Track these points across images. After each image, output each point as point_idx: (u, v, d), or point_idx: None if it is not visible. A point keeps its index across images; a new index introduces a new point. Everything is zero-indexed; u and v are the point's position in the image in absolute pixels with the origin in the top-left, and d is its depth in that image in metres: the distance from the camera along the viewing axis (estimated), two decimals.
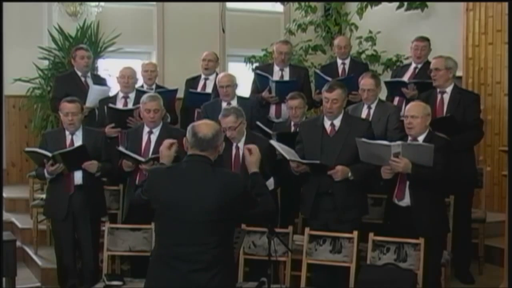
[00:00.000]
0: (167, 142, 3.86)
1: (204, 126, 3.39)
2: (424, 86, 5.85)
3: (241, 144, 4.90)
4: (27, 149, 5.42)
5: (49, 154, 4.94)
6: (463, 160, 5.37)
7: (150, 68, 6.73)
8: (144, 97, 5.29)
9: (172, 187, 3.29)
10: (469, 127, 5.42)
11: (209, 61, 6.70)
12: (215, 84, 6.44)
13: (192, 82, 6.77)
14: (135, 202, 3.65)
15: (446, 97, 5.53)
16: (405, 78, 6.17)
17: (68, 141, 5.15)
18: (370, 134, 4.79)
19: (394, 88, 6.08)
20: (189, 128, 3.43)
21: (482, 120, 5.73)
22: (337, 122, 4.79)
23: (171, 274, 3.24)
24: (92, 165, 5.06)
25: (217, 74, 6.63)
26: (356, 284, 4.49)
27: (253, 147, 3.76)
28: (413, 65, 6.26)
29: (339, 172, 4.62)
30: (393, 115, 5.48)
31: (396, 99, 6.10)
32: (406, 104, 5.82)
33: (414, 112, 4.63)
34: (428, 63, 6.15)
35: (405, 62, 7.22)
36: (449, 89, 5.54)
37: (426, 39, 6.22)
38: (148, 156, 5.09)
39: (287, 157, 4.68)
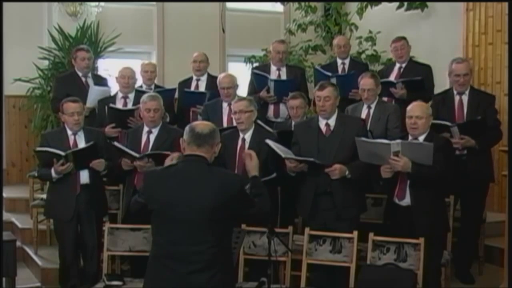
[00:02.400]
0: (173, 156, 3.79)
1: (201, 124, 3.47)
2: (412, 85, 5.86)
3: (247, 137, 5.01)
4: (38, 149, 5.25)
5: (62, 153, 4.93)
6: (484, 161, 5.40)
7: (149, 68, 6.72)
8: (144, 97, 5.30)
9: (169, 187, 3.29)
10: (490, 128, 5.41)
11: (200, 62, 6.68)
12: (207, 84, 6.49)
13: (184, 84, 6.76)
14: (132, 209, 3.62)
15: (465, 99, 5.51)
16: (391, 78, 6.19)
17: (71, 141, 5.14)
18: (365, 132, 4.85)
19: (382, 88, 6.08)
20: (186, 128, 3.44)
21: (500, 121, 5.72)
22: (332, 121, 4.82)
23: (170, 275, 3.24)
24: (100, 164, 5.07)
25: (208, 74, 6.65)
26: (356, 284, 4.49)
27: (253, 152, 3.73)
28: (397, 65, 6.30)
29: (337, 170, 4.63)
30: (393, 114, 5.49)
31: (384, 99, 6.10)
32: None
33: (419, 112, 4.64)
34: (412, 61, 6.19)
35: None
36: (467, 91, 5.53)
37: (403, 38, 6.28)
38: None
39: (282, 155, 4.69)
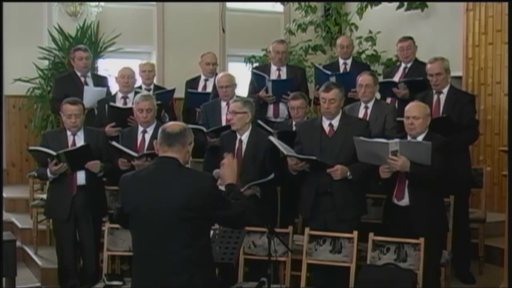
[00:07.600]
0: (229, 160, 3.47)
1: (172, 124, 3.46)
2: (415, 85, 5.87)
3: (244, 138, 5.01)
4: (31, 147, 5.36)
5: (54, 153, 4.94)
6: (458, 160, 5.37)
7: (147, 68, 6.72)
8: (137, 97, 5.34)
9: (139, 189, 3.30)
10: (465, 128, 5.43)
11: (213, 64, 6.74)
12: (214, 84, 6.46)
13: (192, 83, 6.77)
14: (114, 215, 3.63)
15: (443, 98, 5.55)
16: (396, 78, 6.19)
17: (70, 142, 5.15)
18: (368, 134, 4.82)
19: (385, 89, 6.09)
20: (159, 130, 3.41)
21: (477, 120, 5.74)
22: (335, 122, 4.81)
23: (150, 276, 3.24)
24: (95, 165, 5.07)
25: (216, 75, 6.65)
26: (356, 284, 4.49)
27: (227, 160, 3.48)
28: (403, 65, 6.30)
29: (339, 170, 4.63)
30: (390, 114, 5.48)
31: (388, 100, 6.11)
32: (398, 104, 5.87)
33: (415, 112, 4.64)
34: (417, 61, 6.19)
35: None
36: (445, 90, 5.57)
37: (409, 38, 6.28)
38: None
39: (285, 152, 4.69)
